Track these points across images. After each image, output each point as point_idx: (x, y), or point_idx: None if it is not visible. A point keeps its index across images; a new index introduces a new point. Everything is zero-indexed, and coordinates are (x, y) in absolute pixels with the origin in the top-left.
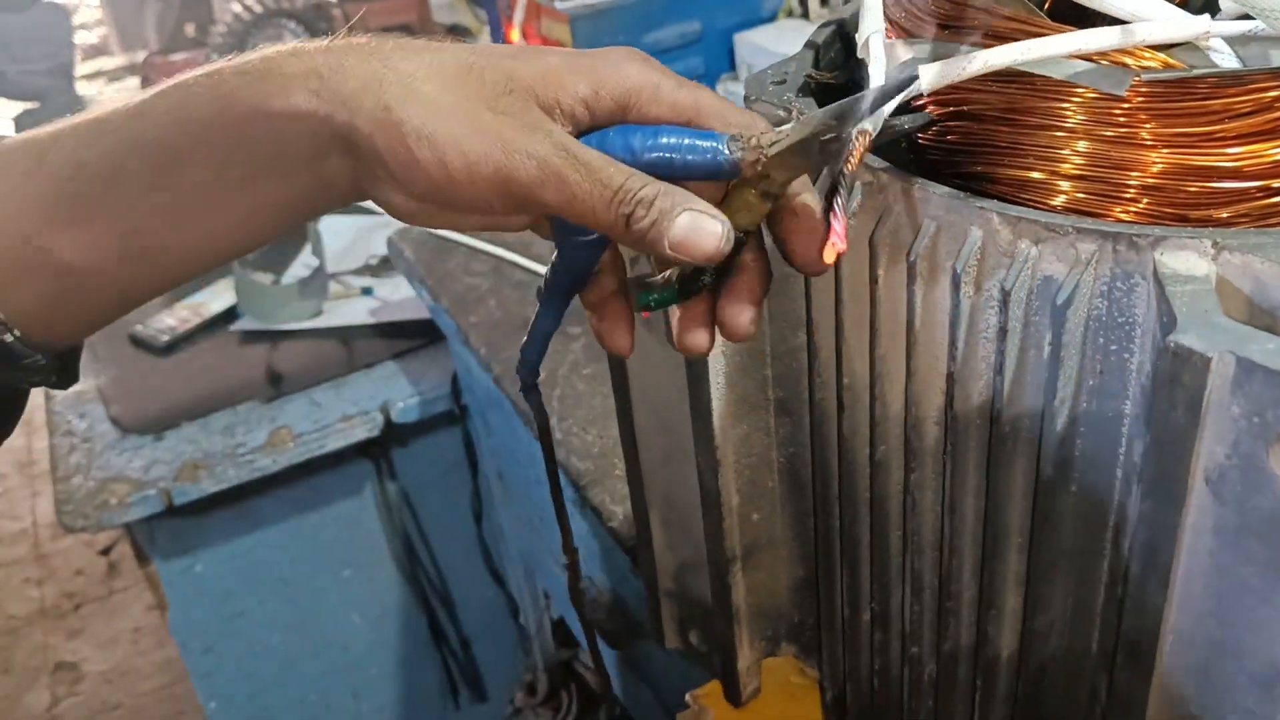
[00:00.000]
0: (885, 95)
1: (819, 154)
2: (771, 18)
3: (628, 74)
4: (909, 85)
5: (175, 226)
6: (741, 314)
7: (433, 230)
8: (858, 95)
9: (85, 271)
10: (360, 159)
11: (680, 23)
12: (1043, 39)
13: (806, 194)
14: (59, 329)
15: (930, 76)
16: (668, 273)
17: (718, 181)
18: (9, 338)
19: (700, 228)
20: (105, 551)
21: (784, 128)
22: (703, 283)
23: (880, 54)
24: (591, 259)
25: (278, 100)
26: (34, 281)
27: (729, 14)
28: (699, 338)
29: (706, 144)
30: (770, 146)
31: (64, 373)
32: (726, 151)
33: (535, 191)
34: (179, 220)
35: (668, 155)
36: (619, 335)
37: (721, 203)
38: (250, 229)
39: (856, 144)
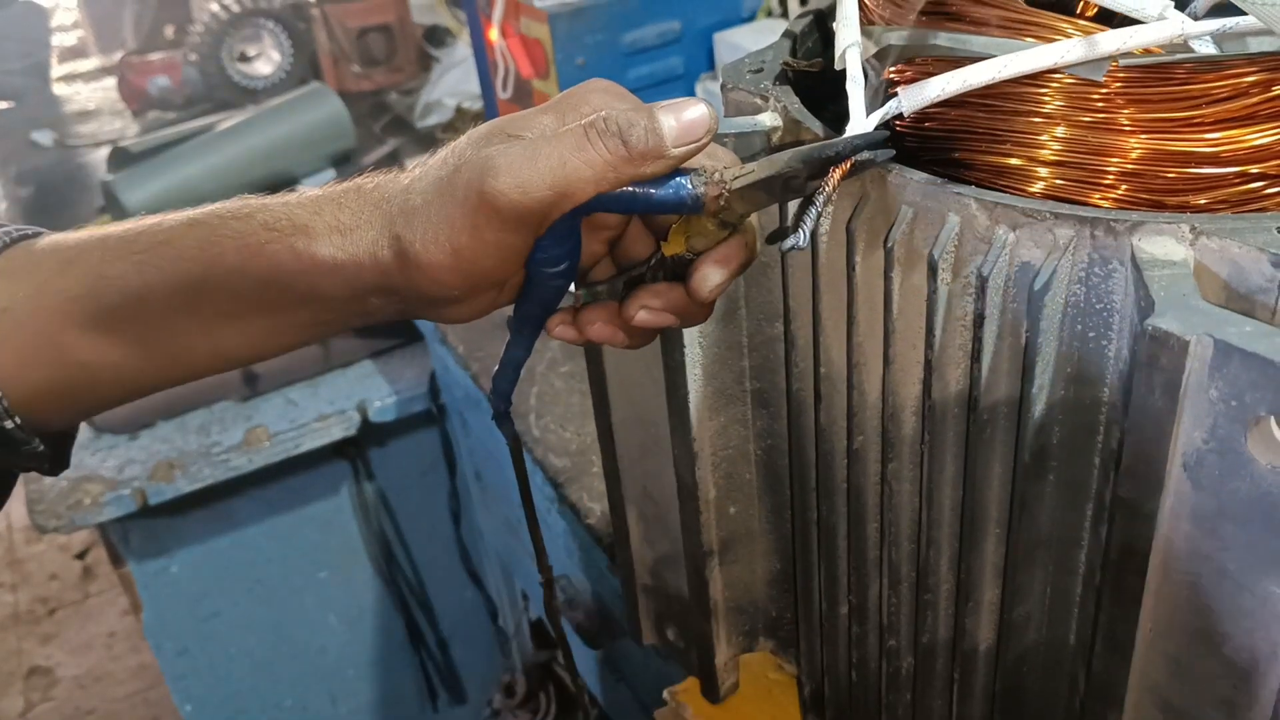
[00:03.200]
0: (855, 149)
1: (781, 190)
2: (751, 17)
3: (592, 101)
4: (880, 146)
5: (198, 340)
6: (710, 274)
7: None
8: (828, 143)
9: (99, 367)
10: (395, 295)
11: (659, 22)
12: (1019, 55)
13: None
14: (60, 415)
15: (909, 100)
16: (618, 277)
17: (681, 213)
18: (9, 424)
19: (683, 113)
20: (80, 556)
21: (749, 164)
22: (646, 278)
23: (858, 73)
24: (561, 288)
25: (306, 256)
26: (45, 371)
27: (708, 13)
28: (598, 329)
29: (670, 179)
30: (734, 181)
31: (56, 460)
32: (690, 186)
33: (525, 191)
34: (202, 336)
35: (631, 189)
36: (564, 330)
37: (678, 224)
38: (280, 344)
39: (832, 177)
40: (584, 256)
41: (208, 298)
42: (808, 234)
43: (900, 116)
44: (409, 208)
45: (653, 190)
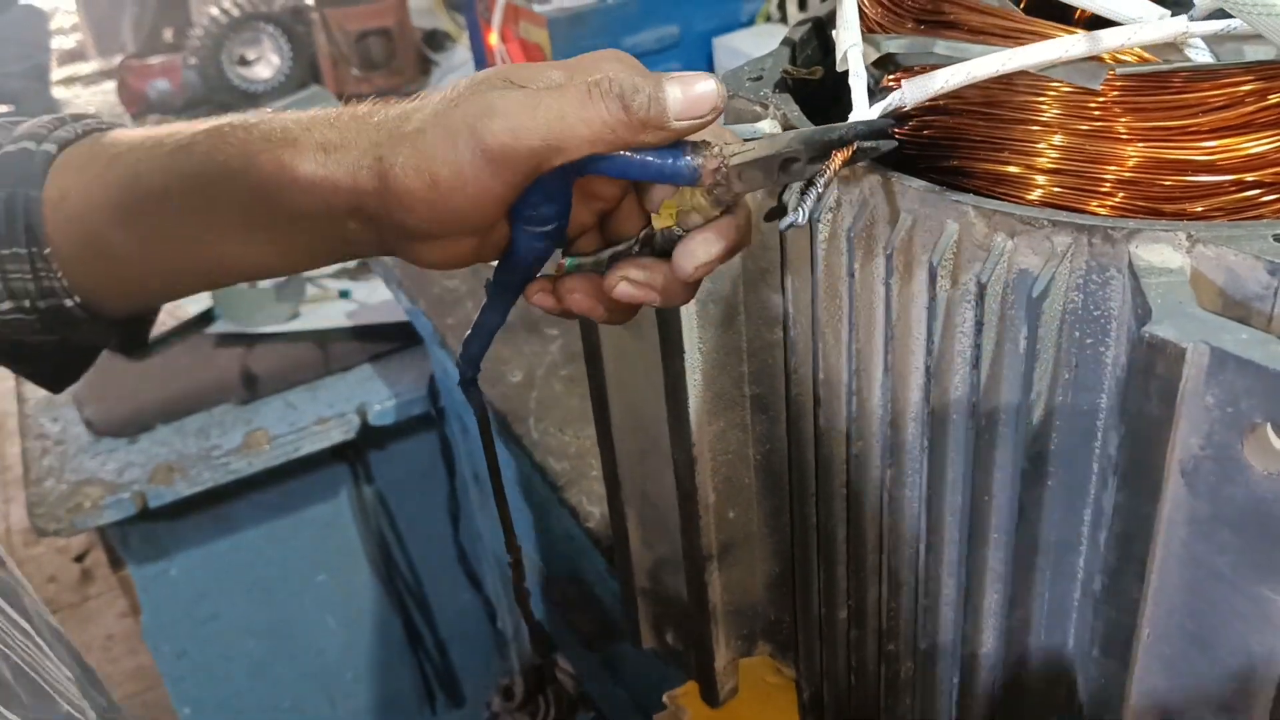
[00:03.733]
0: (857, 134)
1: (779, 172)
2: (750, 22)
3: (603, 68)
4: (883, 135)
5: (209, 248)
6: (695, 250)
7: None
8: (830, 127)
9: (131, 260)
10: (373, 223)
11: (659, 26)
12: (1024, 49)
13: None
14: (113, 302)
15: (912, 92)
16: (606, 251)
17: (677, 185)
18: (69, 303)
19: (692, 87)
20: (79, 559)
21: (750, 142)
22: (633, 252)
23: (860, 69)
24: (545, 251)
25: (290, 170)
26: (92, 258)
27: (708, 18)
28: (579, 299)
29: (669, 148)
30: (733, 157)
31: (127, 339)
32: (688, 157)
33: (517, 136)
34: (212, 244)
35: (628, 154)
36: (542, 297)
37: (671, 197)
38: (281, 263)
39: (834, 159)
40: (573, 226)
41: (213, 204)
42: (806, 213)
43: (904, 119)
44: (399, 133)
45: (650, 158)
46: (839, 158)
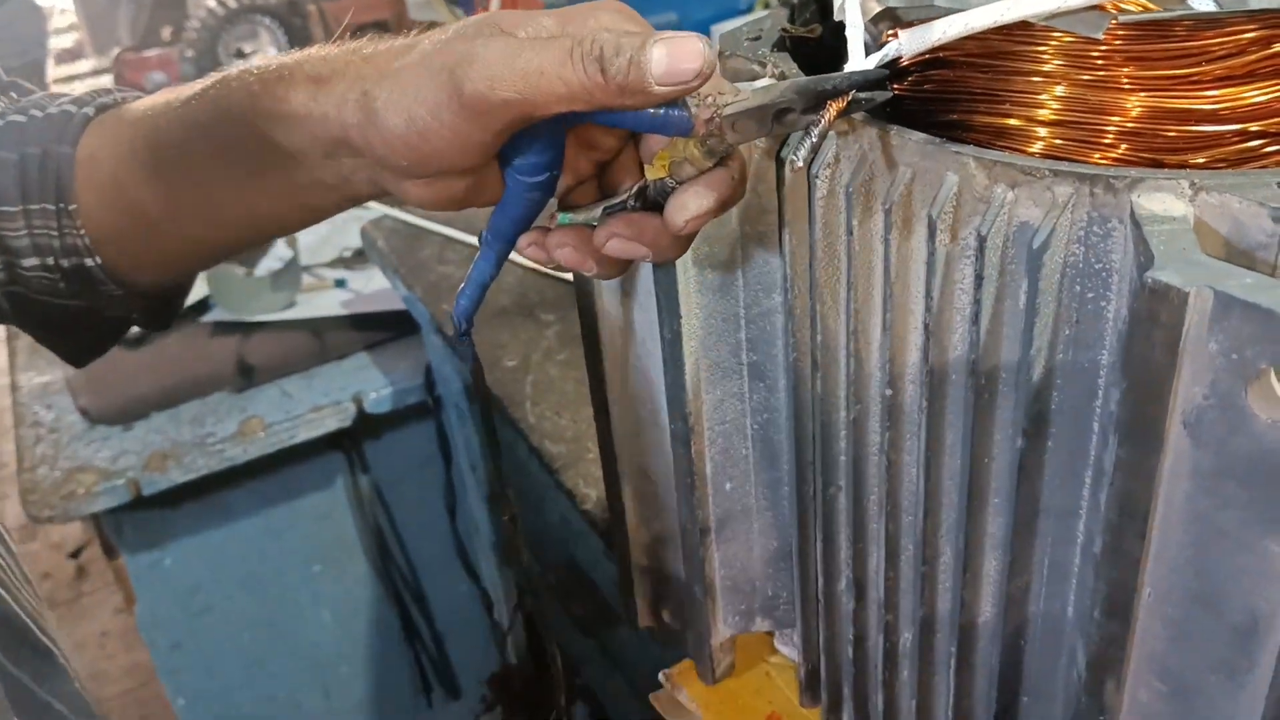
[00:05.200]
0: (852, 84)
1: (773, 122)
2: (748, 9)
3: (599, 18)
4: (878, 85)
5: (230, 193)
6: (687, 203)
7: (410, 219)
8: (824, 77)
9: (162, 220)
10: (363, 157)
11: (657, 14)
12: None
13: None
14: (144, 268)
15: (909, 43)
16: (600, 203)
17: (668, 134)
18: (90, 262)
19: (678, 50)
20: (74, 555)
21: (744, 91)
22: (627, 206)
23: (858, 18)
24: (538, 201)
25: (284, 104)
26: (116, 214)
27: (706, 5)
28: (568, 252)
29: None
30: (726, 108)
31: (151, 314)
32: (680, 109)
33: (488, 95)
34: (231, 189)
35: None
36: (534, 251)
37: (664, 147)
38: (290, 209)
39: (829, 109)
40: (570, 176)
41: (224, 149)
42: (801, 159)
43: (904, 74)
44: (386, 69)
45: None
46: (834, 107)
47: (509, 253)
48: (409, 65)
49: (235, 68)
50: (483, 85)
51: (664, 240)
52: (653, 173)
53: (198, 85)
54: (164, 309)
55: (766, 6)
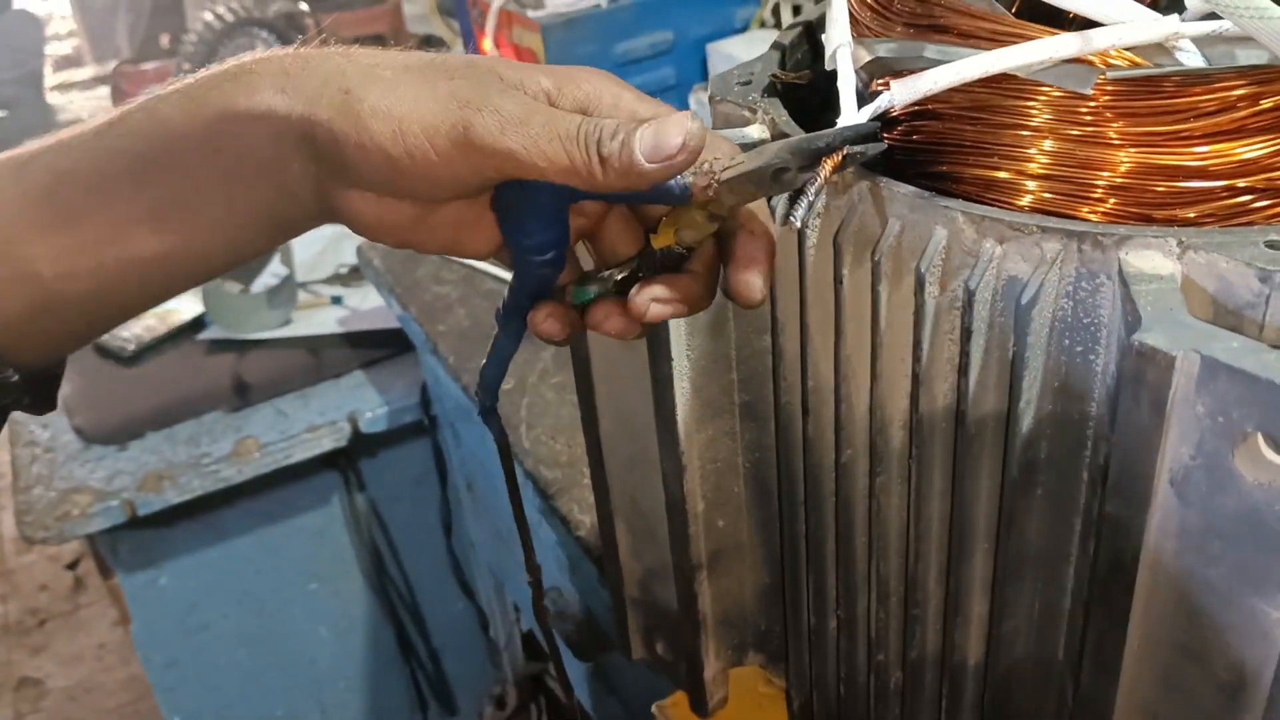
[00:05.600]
0: (844, 140)
1: (770, 182)
2: (744, 28)
3: (591, 82)
4: (871, 139)
5: (152, 235)
6: (752, 281)
7: None
8: (818, 135)
9: (65, 280)
10: (320, 159)
11: (652, 32)
12: (1013, 49)
13: (761, 215)
14: (34, 344)
15: (901, 93)
16: (607, 272)
17: (668, 204)
18: None
19: (665, 131)
20: (71, 566)
21: (740, 156)
22: (639, 277)
23: (849, 71)
24: (550, 277)
25: (244, 100)
26: (13, 289)
27: (701, 24)
28: (613, 323)
29: None
30: (723, 173)
31: (39, 396)
32: (677, 178)
33: (497, 139)
34: (155, 229)
35: None
36: (551, 325)
37: (667, 216)
38: (225, 241)
39: (824, 166)
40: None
41: (156, 176)
42: (799, 220)
43: (893, 124)
44: (374, 74)
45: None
46: (829, 164)
47: (525, 328)
48: (408, 79)
49: (152, 92)
50: (493, 127)
51: (697, 295)
52: (659, 241)
53: (114, 113)
54: (50, 388)
55: (762, 25)
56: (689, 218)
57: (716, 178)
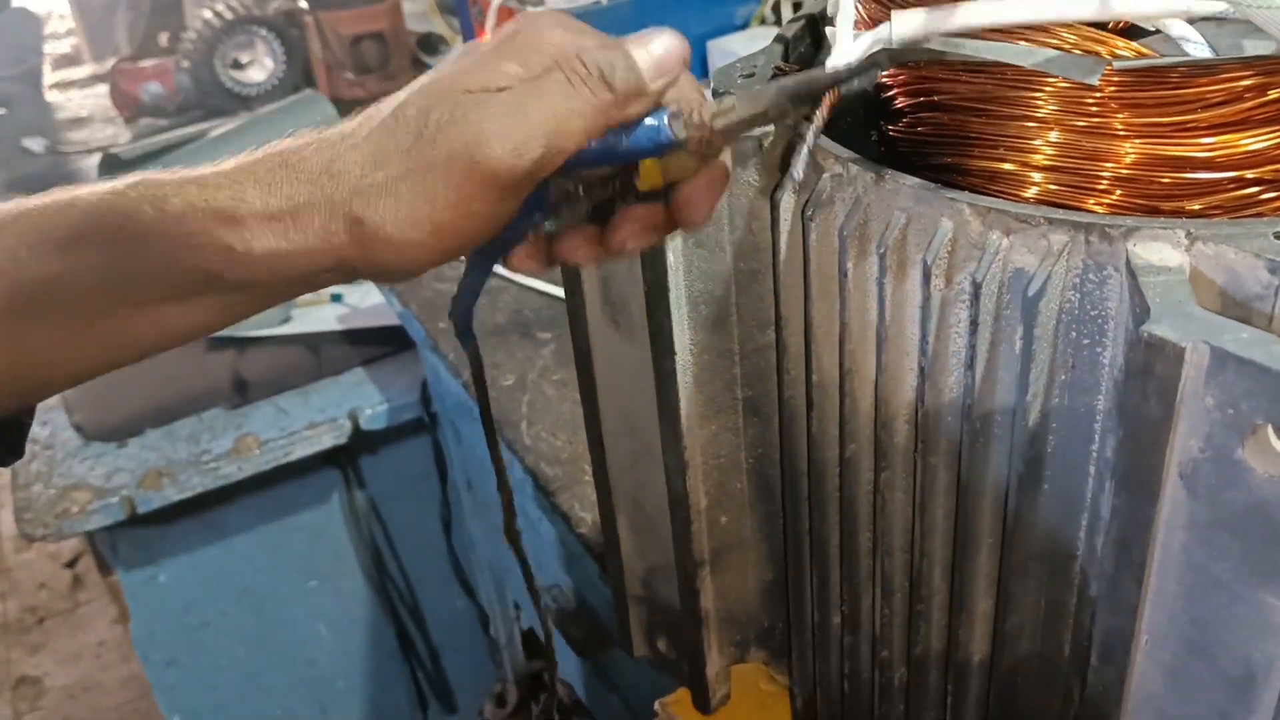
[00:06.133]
0: (836, 80)
1: (765, 123)
2: (744, 25)
3: (551, 41)
4: (867, 71)
5: (138, 324)
6: (701, 205)
7: None
8: (811, 76)
9: (29, 356)
10: (355, 272)
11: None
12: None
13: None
14: None
15: (902, 27)
16: (580, 204)
17: (662, 155)
18: None
19: (657, 49)
20: (70, 564)
21: (728, 100)
22: (614, 203)
23: (850, 4)
24: (532, 226)
25: (239, 251)
26: None
27: (702, 21)
28: (583, 253)
29: (650, 123)
30: (714, 121)
31: (10, 449)
32: (670, 131)
33: (519, 153)
34: (142, 319)
35: (612, 138)
36: (530, 263)
37: (654, 161)
38: (231, 318)
39: (821, 107)
40: None
41: (138, 287)
42: (799, 173)
43: (898, 116)
44: (367, 187)
45: (632, 137)
46: (825, 105)
47: (496, 261)
48: (401, 176)
49: (110, 194)
50: (510, 157)
51: (666, 222)
52: (644, 183)
53: (58, 214)
54: (20, 436)
55: (762, 22)
56: (680, 161)
57: (710, 127)
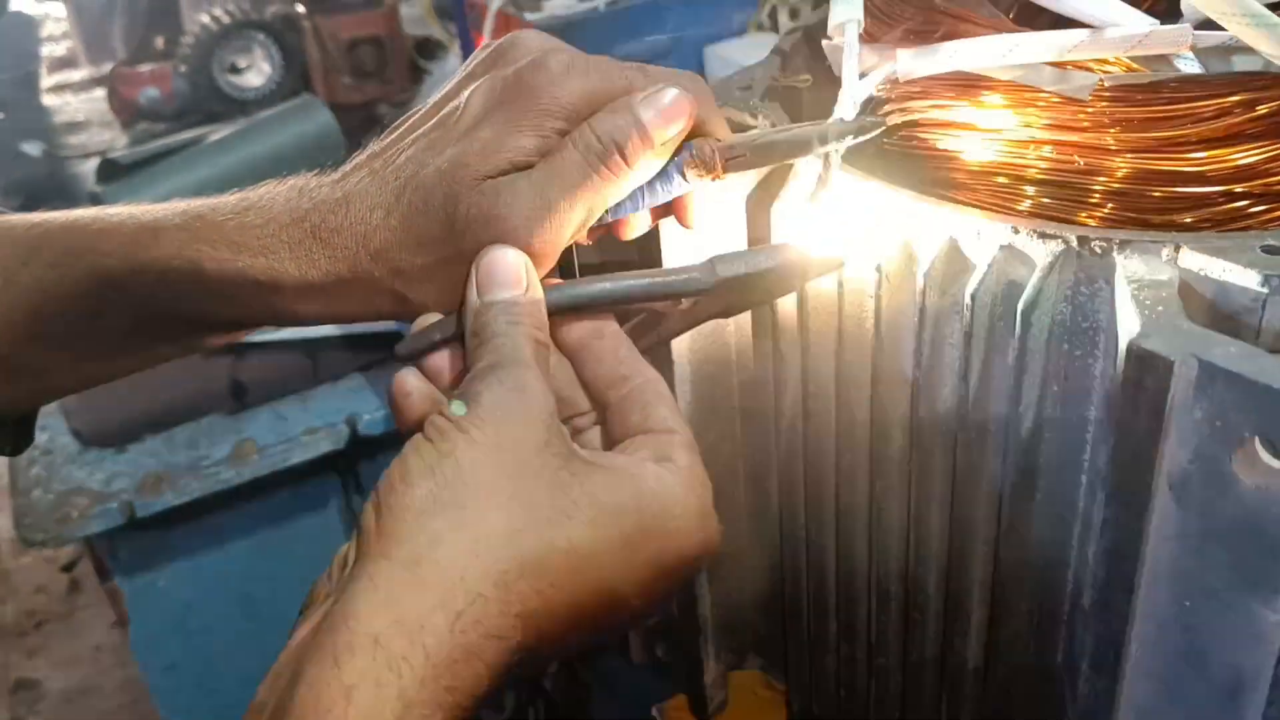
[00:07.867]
0: (842, 133)
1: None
2: (741, 31)
3: (558, 99)
4: (873, 130)
5: (155, 342)
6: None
7: None
8: (817, 127)
9: (40, 367)
10: (391, 318)
11: (650, 35)
12: (1025, 35)
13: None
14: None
15: (907, 64)
16: None
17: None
18: None
19: (663, 107)
20: (68, 568)
21: (739, 146)
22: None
23: (854, 42)
24: None
25: (285, 309)
26: None
27: (699, 26)
28: None
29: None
30: (726, 167)
31: (17, 439)
32: (684, 180)
33: (549, 245)
34: (161, 339)
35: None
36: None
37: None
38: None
39: (825, 165)
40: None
41: (175, 330)
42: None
43: (892, 132)
44: (408, 269)
45: (651, 188)
46: (830, 159)
47: None
48: (437, 264)
49: (140, 232)
50: (536, 244)
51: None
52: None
53: (94, 249)
54: (27, 428)
55: (759, 29)
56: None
57: (722, 166)
